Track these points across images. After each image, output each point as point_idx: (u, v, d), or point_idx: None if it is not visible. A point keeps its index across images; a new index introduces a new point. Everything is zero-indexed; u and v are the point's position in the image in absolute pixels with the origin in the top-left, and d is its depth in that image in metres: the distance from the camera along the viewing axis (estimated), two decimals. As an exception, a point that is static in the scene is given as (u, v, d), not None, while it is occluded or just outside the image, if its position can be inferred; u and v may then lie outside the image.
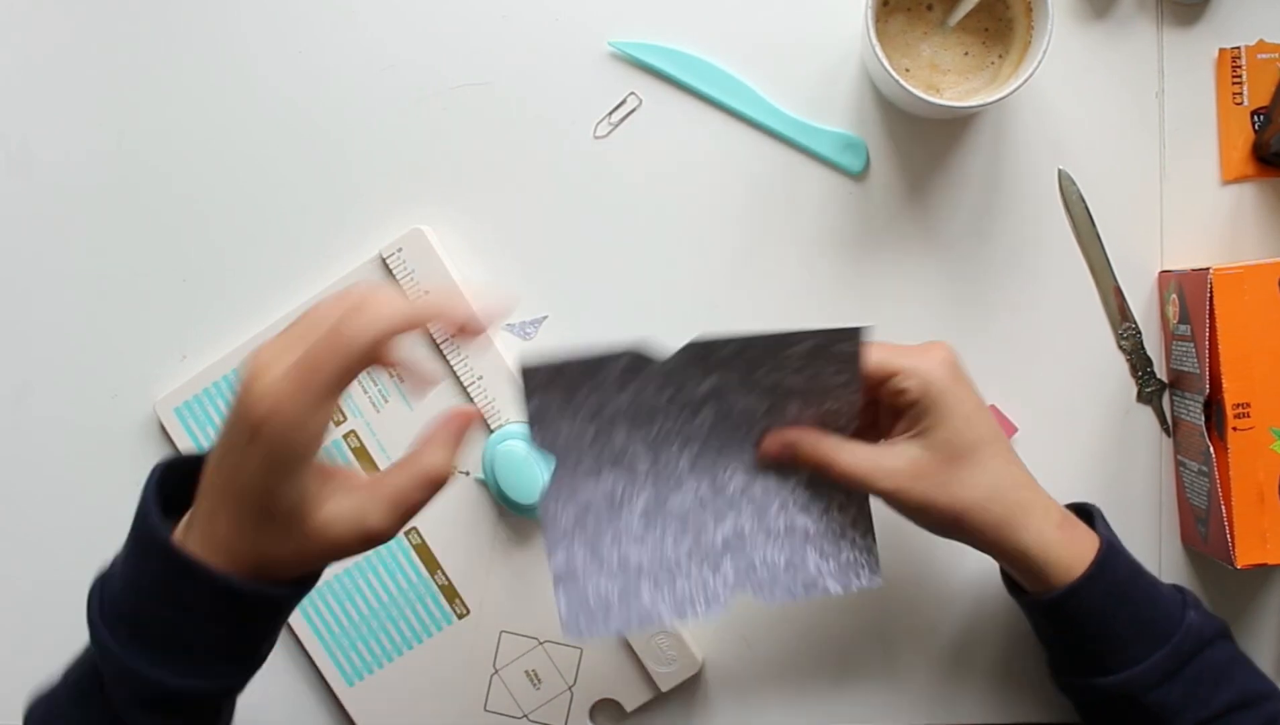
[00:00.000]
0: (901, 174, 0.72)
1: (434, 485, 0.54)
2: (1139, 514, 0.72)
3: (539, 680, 0.72)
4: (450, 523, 0.72)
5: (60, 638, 0.74)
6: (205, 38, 0.73)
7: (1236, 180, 0.71)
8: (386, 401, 0.72)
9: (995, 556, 0.62)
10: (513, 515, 0.72)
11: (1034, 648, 0.72)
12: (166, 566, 0.52)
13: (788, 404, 0.60)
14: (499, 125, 0.73)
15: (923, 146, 0.72)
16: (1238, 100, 0.71)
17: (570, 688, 0.72)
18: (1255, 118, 0.71)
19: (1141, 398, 0.72)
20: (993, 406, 0.71)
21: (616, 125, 0.72)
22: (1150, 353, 0.71)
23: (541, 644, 0.72)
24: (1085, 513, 0.65)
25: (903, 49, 0.67)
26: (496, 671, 0.72)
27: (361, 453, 0.72)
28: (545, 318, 0.73)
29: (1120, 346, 0.72)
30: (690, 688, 0.73)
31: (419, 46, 0.73)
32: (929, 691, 0.73)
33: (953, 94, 0.67)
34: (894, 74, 0.63)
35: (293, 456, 0.50)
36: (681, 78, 0.72)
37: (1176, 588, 0.64)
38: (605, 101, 0.72)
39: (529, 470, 0.69)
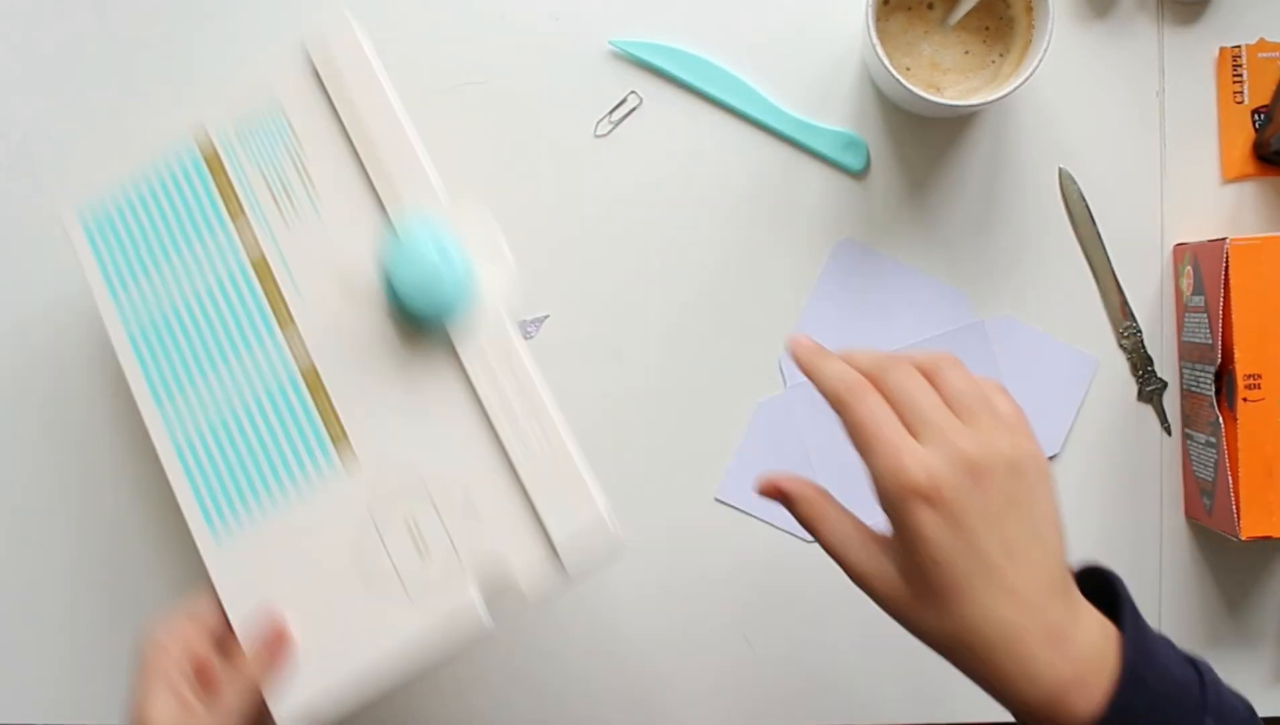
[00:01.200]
0: (902, 173, 0.72)
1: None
2: (1139, 513, 0.72)
3: (424, 542, 0.61)
4: (342, 348, 0.63)
5: (61, 639, 0.75)
6: (205, 38, 0.73)
7: (1237, 179, 0.71)
8: (299, 217, 0.63)
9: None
10: (414, 333, 0.62)
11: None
12: None
13: None
14: (499, 124, 0.73)
15: (923, 145, 0.72)
16: (1238, 99, 0.71)
17: (453, 544, 0.61)
18: (1256, 117, 0.71)
19: (1141, 397, 0.72)
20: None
21: (616, 125, 0.72)
22: (1150, 352, 0.71)
23: (428, 491, 0.61)
24: (1104, 586, 0.52)
25: (903, 48, 0.67)
26: (378, 522, 0.62)
27: (268, 279, 0.64)
28: (547, 317, 0.73)
29: (1120, 346, 0.72)
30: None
31: (419, 46, 0.73)
32: (930, 689, 0.73)
33: (953, 93, 0.67)
34: (895, 73, 0.63)
35: None
36: (681, 77, 0.72)
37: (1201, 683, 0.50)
38: (605, 101, 0.72)
39: (433, 272, 0.59)
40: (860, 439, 0.50)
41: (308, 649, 0.62)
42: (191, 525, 0.64)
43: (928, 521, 0.49)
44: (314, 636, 0.62)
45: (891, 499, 0.49)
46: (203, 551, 0.64)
